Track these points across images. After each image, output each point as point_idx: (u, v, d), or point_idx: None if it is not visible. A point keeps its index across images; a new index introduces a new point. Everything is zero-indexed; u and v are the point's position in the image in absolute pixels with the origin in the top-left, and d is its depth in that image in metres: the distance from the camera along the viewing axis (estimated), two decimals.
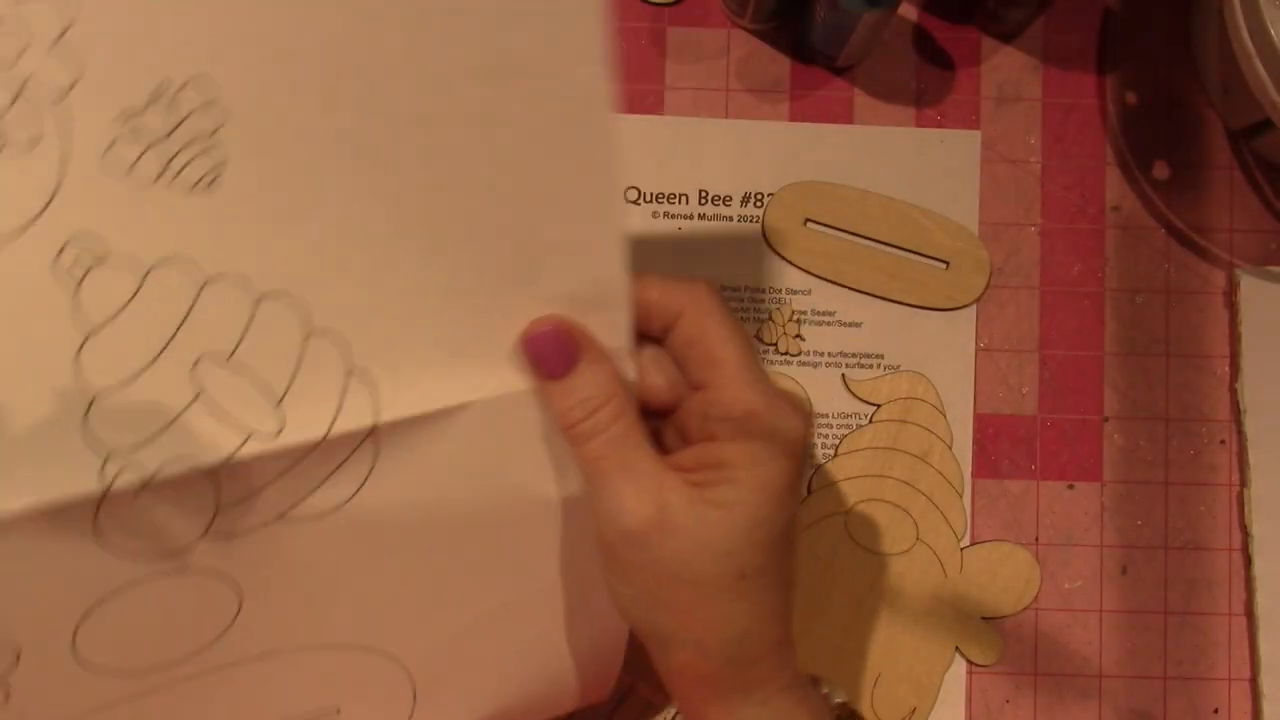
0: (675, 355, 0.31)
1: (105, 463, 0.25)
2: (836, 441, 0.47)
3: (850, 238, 0.48)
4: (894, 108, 0.49)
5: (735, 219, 0.48)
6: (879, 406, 0.47)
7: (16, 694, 0.27)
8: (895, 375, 0.48)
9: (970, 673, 0.47)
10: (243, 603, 0.28)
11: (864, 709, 0.46)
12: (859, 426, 0.47)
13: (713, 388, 0.30)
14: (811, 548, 0.47)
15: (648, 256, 0.48)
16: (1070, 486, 0.48)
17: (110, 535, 0.26)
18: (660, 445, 0.32)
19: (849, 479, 0.47)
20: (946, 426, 0.47)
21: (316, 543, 0.28)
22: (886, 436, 0.47)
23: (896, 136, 0.48)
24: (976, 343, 0.48)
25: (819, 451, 0.47)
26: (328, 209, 0.26)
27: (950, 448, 0.47)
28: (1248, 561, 0.47)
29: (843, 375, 0.48)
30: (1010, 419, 0.48)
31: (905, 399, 0.48)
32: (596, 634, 0.35)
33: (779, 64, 0.49)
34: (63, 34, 0.23)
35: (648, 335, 0.31)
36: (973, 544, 0.47)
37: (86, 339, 0.25)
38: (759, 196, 0.48)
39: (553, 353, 0.29)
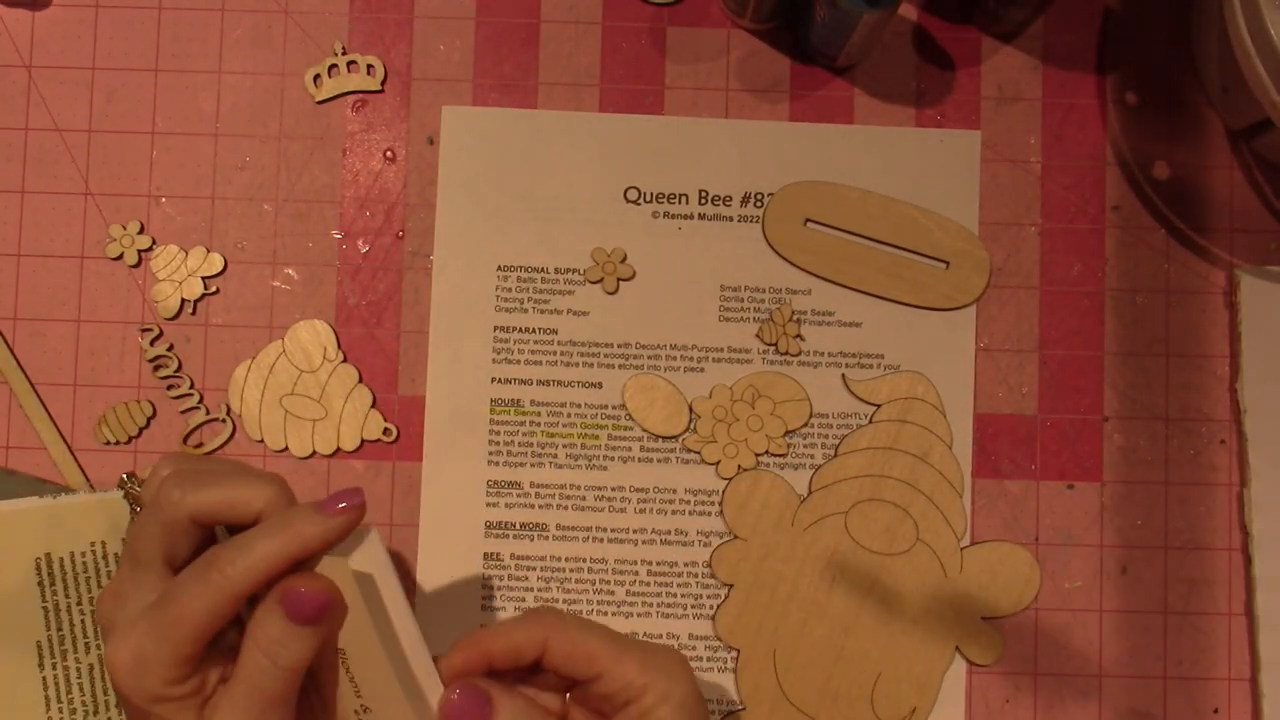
0: (559, 672, 0.35)
1: None
2: (836, 441, 0.47)
3: (850, 238, 0.48)
4: (894, 108, 0.49)
5: (735, 219, 0.48)
6: (879, 406, 0.47)
7: None
8: (895, 375, 0.48)
9: (970, 673, 0.47)
10: None
11: (864, 709, 0.46)
12: (859, 426, 0.47)
13: (602, 675, 0.34)
14: (811, 548, 0.47)
15: (648, 256, 0.48)
16: (1070, 486, 0.48)
17: None
18: None
19: (849, 479, 0.47)
20: (946, 426, 0.47)
21: None
22: (886, 436, 0.47)
23: (896, 136, 0.48)
24: (976, 343, 0.48)
25: (819, 451, 0.47)
26: None
27: (950, 448, 0.47)
28: (1248, 561, 0.47)
29: (843, 375, 0.48)
30: (1010, 419, 0.48)
31: (905, 399, 0.48)
32: None
33: (779, 64, 0.49)
34: None
35: (523, 669, 0.36)
36: (973, 544, 0.47)
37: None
38: (759, 196, 0.48)
39: (468, 710, 0.34)
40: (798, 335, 0.48)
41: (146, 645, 0.32)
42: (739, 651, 0.47)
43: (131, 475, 0.38)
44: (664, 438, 0.47)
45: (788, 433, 0.47)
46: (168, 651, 0.32)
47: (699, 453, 0.47)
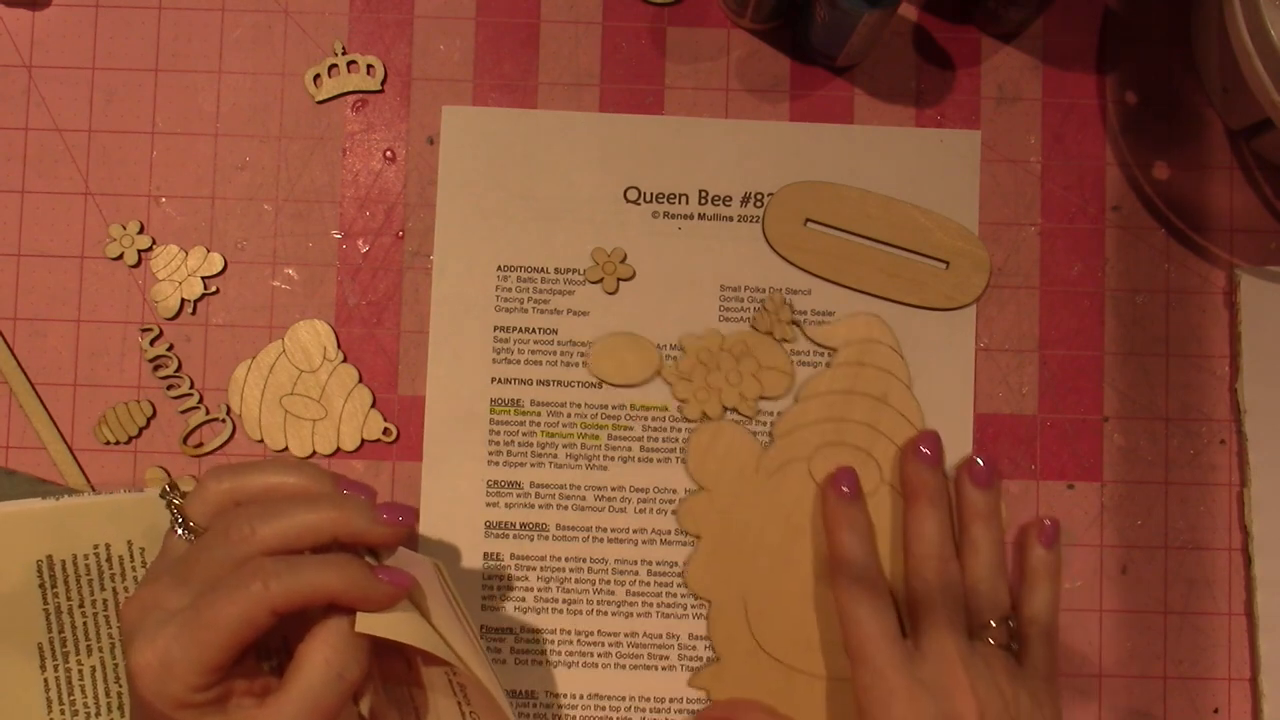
0: None
1: None
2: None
3: (850, 238, 0.48)
4: (894, 108, 0.49)
5: (735, 219, 0.48)
6: (836, 350, 0.47)
7: None
8: (851, 319, 0.47)
9: None
10: None
11: (843, 658, 0.46)
12: (817, 370, 0.47)
13: None
14: (775, 495, 0.47)
15: (648, 256, 0.48)
16: (1070, 486, 0.48)
17: None
18: None
19: (810, 424, 0.47)
20: (904, 366, 0.47)
21: None
22: (845, 380, 0.47)
23: (896, 136, 0.48)
24: (976, 343, 0.48)
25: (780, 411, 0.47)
26: None
27: (909, 388, 0.47)
28: (1248, 561, 0.47)
29: (796, 322, 0.47)
30: (1010, 419, 0.48)
31: (862, 341, 0.47)
32: None
33: (779, 64, 0.49)
34: None
35: None
36: None
37: None
38: (759, 196, 0.48)
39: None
40: (791, 321, 0.48)
41: (174, 649, 0.32)
42: (710, 603, 0.47)
43: (174, 486, 0.37)
44: (636, 388, 0.47)
45: (761, 398, 0.47)
46: (196, 656, 0.32)
47: (671, 385, 0.47)
